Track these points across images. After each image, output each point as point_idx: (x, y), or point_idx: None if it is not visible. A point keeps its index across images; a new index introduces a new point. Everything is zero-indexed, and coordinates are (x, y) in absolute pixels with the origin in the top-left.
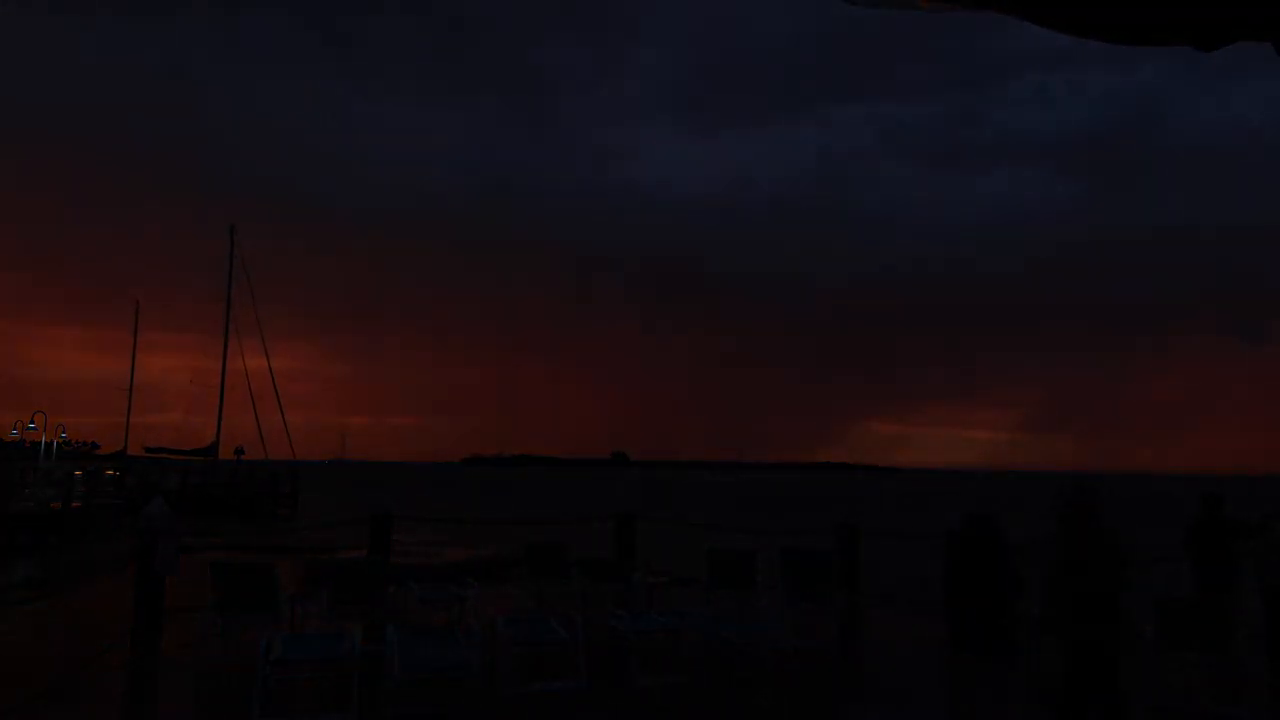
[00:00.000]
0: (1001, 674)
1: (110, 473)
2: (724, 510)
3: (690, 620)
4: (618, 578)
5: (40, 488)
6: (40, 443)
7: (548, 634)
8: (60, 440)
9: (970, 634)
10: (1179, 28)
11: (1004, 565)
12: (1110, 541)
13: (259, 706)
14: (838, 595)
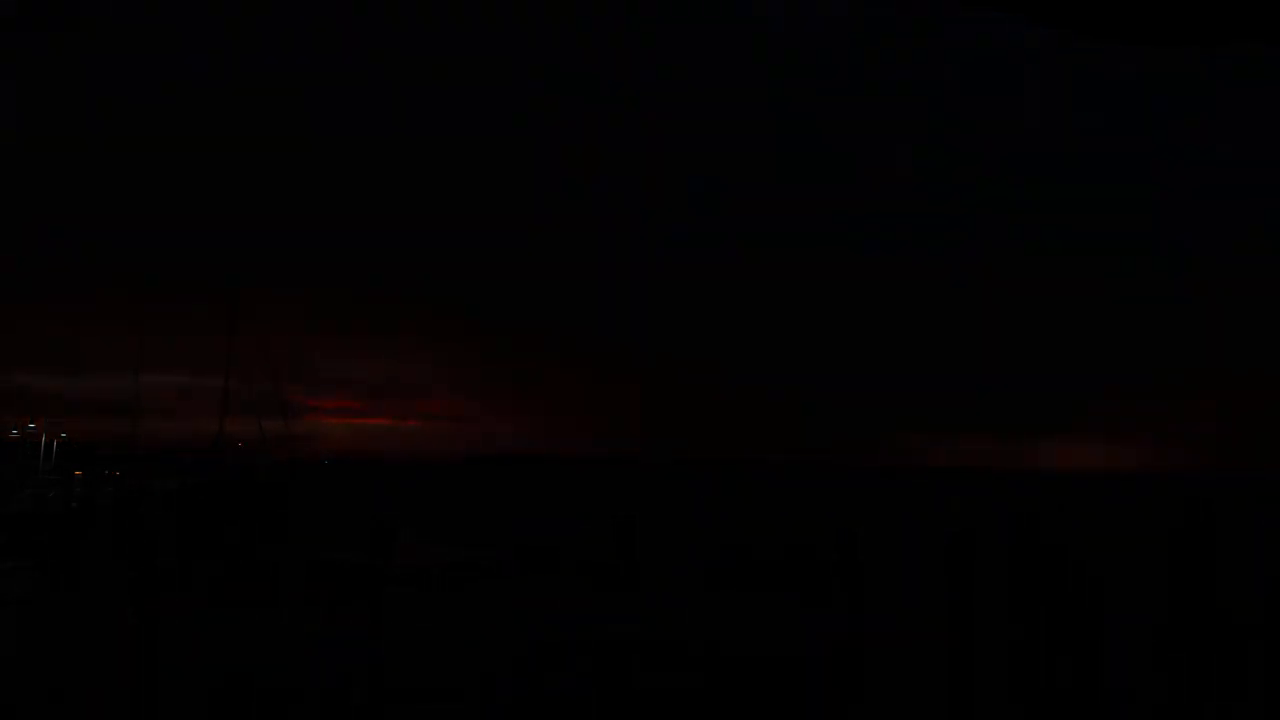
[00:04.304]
0: None
1: (110, 473)
2: (722, 510)
3: (690, 621)
4: (616, 578)
5: (40, 488)
6: (41, 443)
7: (546, 634)
8: (61, 441)
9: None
10: (1179, 28)
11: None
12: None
13: (260, 705)
14: (838, 595)
